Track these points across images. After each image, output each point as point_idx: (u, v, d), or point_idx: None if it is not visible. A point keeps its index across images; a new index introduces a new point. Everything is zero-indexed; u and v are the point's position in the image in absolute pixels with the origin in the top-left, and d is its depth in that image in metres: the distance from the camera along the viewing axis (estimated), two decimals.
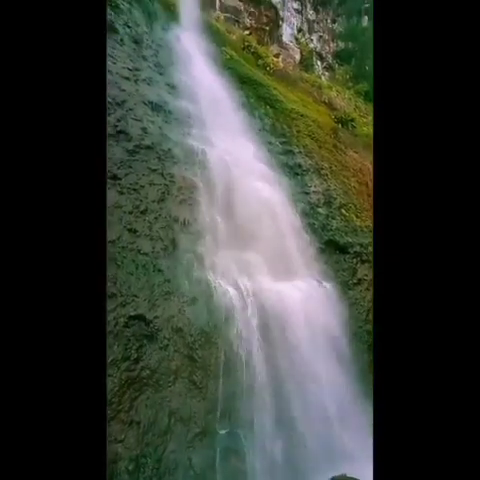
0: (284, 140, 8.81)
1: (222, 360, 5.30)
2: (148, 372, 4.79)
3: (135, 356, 4.76)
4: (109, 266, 5.12)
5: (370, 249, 7.70)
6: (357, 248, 7.98)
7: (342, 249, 7.88)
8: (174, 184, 6.33)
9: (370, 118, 12.73)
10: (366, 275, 7.65)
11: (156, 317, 5.12)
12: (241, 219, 6.44)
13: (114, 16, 7.27)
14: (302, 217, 7.68)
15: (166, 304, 5.35)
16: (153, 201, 6.05)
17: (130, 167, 6.09)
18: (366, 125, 11.81)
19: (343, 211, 8.31)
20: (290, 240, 7.05)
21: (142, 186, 6.07)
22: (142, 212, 5.89)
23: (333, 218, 8.17)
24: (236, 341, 5.46)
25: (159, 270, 5.58)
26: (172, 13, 9.37)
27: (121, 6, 7.60)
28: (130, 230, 5.62)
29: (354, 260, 7.87)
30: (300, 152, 8.72)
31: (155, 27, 8.33)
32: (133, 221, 5.73)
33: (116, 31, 7.17)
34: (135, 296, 5.13)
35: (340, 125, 10.61)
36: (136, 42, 7.58)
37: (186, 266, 5.83)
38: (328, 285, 7.11)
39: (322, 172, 8.70)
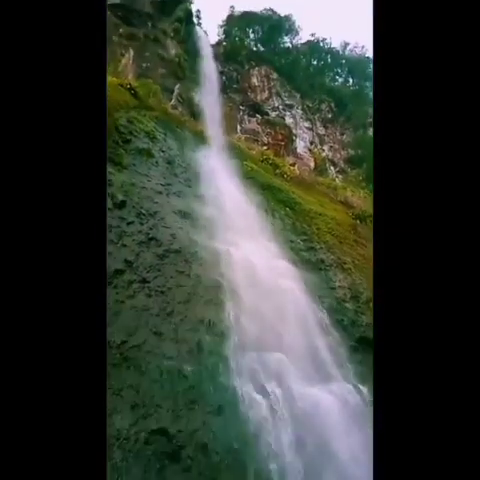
0: (305, 238, 9.14)
1: None
2: None
3: None
4: (133, 373, 5.01)
5: None
6: None
7: None
8: (200, 285, 6.50)
9: None
10: None
11: (179, 431, 4.74)
12: (267, 318, 6.34)
13: (151, 144, 8.52)
14: (330, 313, 7.47)
15: (190, 415, 5.00)
16: (179, 302, 6.16)
17: (159, 270, 6.38)
18: None
19: (372, 305, 8.05)
20: (319, 339, 6.76)
21: (169, 288, 6.26)
22: (168, 314, 5.95)
23: (362, 313, 7.88)
24: (266, 458, 4.87)
25: (184, 376, 5.36)
26: (200, 138, 10.88)
27: (158, 137, 8.96)
28: (156, 333, 5.61)
29: None
30: (322, 248, 8.94)
31: (185, 150, 9.60)
32: (159, 324, 5.76)
33: (152, 155, 8.32)
34: (158, 406, 4.86)
35: (358, 221, 11.01)
36: (169, 163, 8.69)
37: (211, 371, 5.59)
38: (365, 389, 6.50)
39: (345, 266, 8.74)
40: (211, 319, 6.12)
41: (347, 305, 7.88)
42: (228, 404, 5.27)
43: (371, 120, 22.58)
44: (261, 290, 6.68)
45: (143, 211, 6.97)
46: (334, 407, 5.89)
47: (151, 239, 6.71)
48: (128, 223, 6.61)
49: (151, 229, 6.85)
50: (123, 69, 12.78)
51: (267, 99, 20.89)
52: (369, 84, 28.08)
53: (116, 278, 5.82)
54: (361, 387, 6.57)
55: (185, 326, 5.92)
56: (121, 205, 6.74)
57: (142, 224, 6.79)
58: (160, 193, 7.71)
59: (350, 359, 6.96)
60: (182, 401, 5.05)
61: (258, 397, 5.47)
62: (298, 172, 14.05)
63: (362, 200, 12.67)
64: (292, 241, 8.77)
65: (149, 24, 14.97)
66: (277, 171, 12.18)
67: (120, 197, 6.80)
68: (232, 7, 25.21)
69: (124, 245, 6.27)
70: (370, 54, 29.49)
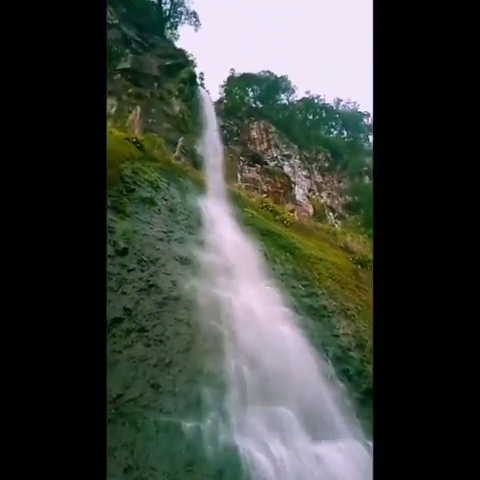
0: (306, 283, 9.06)
1: None
2: None
3: None
4: (129, 430, 4.73)
5: None
6: None
7: None
8: (199, 333, 6.34)
9: None
10: None
11: None
12: (268, 368, 6.10)
13: (154, 193, 8.78)
14: (334, 363, 7.19)
15: (188, 477, 4.64)
16: (178, 352, 5.97)
17: (158, 319, 6.26)
18: None
19: None
20: (324, 390, 6.44)
21: (168, 337, 6.10)
22: (167, 365, 5.74)
23: (368, 362, 7.58)
24: None
25: (181, 433, 5.05)
26: (202, 186, 11.22)
27: (161, 186, 9.25)
28: (153, 386, 5.38)
29: None
30: (323, 294, 8.82)
31: (187, 198, 9.86)
32: (157, 375, 5.55)
33: (155, 204, 8.52)
34: (153, 469, 4.52)
35: (359, 266, 10.98)
36: (171, 210, 8.88)
37: (211, 427, 5.28)
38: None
39: (348, 313, 8.56)
40: (211, 370, 5.90)
41: (352, 354, 7.61)
42: (229, 465, 4.90)
43: (367, 169, 23.45)
44: (263, 338, 6.50)
45: (144, 258, 6.99)
46: (343, 467, 5.48)
47: (151, 286, 6.66)
48: (129, 270, 6.60)
49: (152, 276, 6.83)
50: (130, 124, 13.52)
51: (266, 150, 21.84)
52: (363, 136, 29.54)
53: (114, 327, 5.70)
54: (371, 444, 6.15)
55: (184, 377, 5.70)
56: (123, 252, 6.78)
57: (143, 271, 6.79)
58: (161, 240, 7.78)
59: (358, 413, 6.58)
60: (179, 462, 4.71)
61: (261, 457, 5.10)
62: (297, 218, 14.29)
63: (362, 245, 12.75)
64: (293, 287, 8.68)
65: (155, 85, 16.11)
66: (277, 217, 12.40)
67: (122, 244, 6.87)
68: (232, 69, 27.27)
69: (124, 293, 6.21)
70: (362, 109, 31.40)
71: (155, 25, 18.94)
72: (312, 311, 8.22)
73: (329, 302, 8.63)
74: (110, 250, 6.57)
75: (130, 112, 14.09)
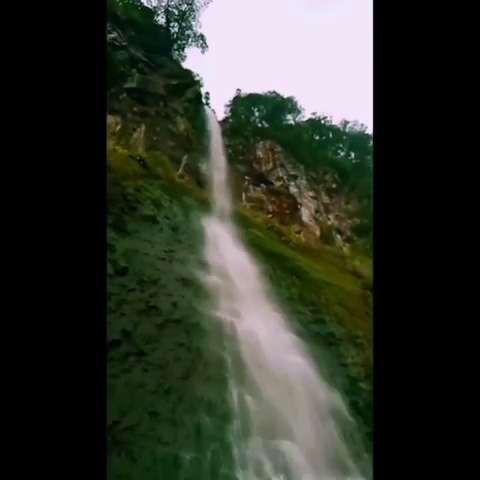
0: (313, 308, 8.74)
1: None
2: None
3: None
4: (124, 461, 4.45)
5: None
6: None
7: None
8: (201, 359, 6.05)
9: None
10: None
11: None
12: (273, 398, 5.77)
13: (157, 211, 8.63)
14: (343, 394, 6.81)
15: None
16: (178, 378, 5.68)
17: (157, 342, 6.00)
18: None
19: None
20: (332, 424, 6.07)
21: (168, 362, 5.83)
22: (166, 391, 5.46)
23: None
24: None
25: (180, 465, 4.74)
26: (205, 205, 11.10)
27: (163, 204, 9.12)
28: (151, 413, 5.10)
29: None
30: (331, 320, 8.49)
31: (190, 216, 9.71)
32: (156, 402, 5.26)
33: (157, 222, 8.37)
34: None
35: (369, 292, 10.65)
36: (173, 229, 8.71)
37: (211, 460, 4.95)
38: None
39: (358, 341, 8.20)
40: (212, 399, 5.58)
41: (361, 385, 7.22)
42: None
43: None
44: (267, 367, 6.18)
45: (145, 278, 6.78)
46: None
47: (151, 308, 6.42)
48: (129, 291, 6.39)
49: (152, 297, 6.59)
50: (134, 142, 13.57)
51: (272, 170, 21.86)
52: (370, 158, 29.68)
53: (112, 350, 5.45)
54: None
55: (183, 406, 5.40)
56: (123, 272, 6.59)
57: (143, 291, 6.56)
58: (163, 260, 7.58)
59: (367, 448, 6.18)
60: None
61: None
62: (304, 240, 14.08)
63: (371, 270, 12.44)
64: (300, 312, 8.37)
65: (161, 103, 16.29)
66: (283, 238, 12.22)
67: (122, 264, 6.67)
68: (239, 89, 27.75)
69: (123, 314, 5.98)
70: (369, 131, 31.67)
71: (162, 47, 19.35)
72: (319, 338, 7.88)
73: (337, 329, 8.28)
74: (110, 269, 6.39)
75: (134, 130, 14.17)
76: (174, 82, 17.65)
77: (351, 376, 7.31)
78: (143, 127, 14.50)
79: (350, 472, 5.72)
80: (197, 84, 19.32)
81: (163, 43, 19.79)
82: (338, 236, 19.01)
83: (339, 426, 6.15)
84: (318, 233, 17.99)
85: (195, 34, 21.92)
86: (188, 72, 19.59)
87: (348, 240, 18.97)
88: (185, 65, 20.90)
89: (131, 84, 15.55)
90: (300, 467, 5.31)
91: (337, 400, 6.56)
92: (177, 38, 21.48)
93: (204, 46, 22.38)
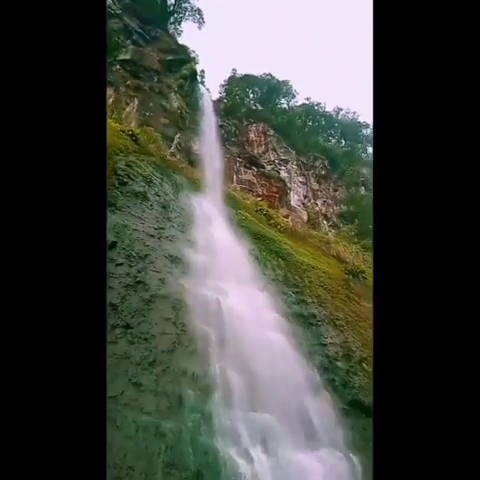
0: (297, 290, 8.97)
1: None
2: None
3: None
4: (107, 427, 4.60)
5: None
6: None
7: (368, 411, 6.97)
8: (185, 334, 6.20)
9: None
10: None
11: None
12: (253, 374, 5.99)
13: (147, 188, 8.59)
14: (320, 372, 7.11)
15: None
16: (162, 352, 5.83)
17: (144, 316, 6.11)
18: None
19: (364, 365, 7.71)
20: (309, 399, 6.36)
21: (153, 335, 5.96)
22: (150, 364, 5.61)
23: (355, 374, 7.53)
24: None
25: (161, 434, 4.93)
26: (196, 185, 11.07)
27: (154, 181, 9.07)
28: (135, 384, 5.25)
29: None
30: (313, 302, 8.75)
31: (181, 195, 9.69)
32: (140, 374, 5.40)
33: (147, 199, 8.35)
34: (130, 468, 4.39)
35: (351, 276, 10.94)
36: (163, 207, 8.71)
37: (192, 429, 5.16)
38: (355, 458, 6.01)
39: (337, 323, 8.50)
40: (195, 372, 5.77)
41: (339, 364, 7.54)
42: (207, 469, 4.81)
43: (363, 179, 23.57)
44: (250, 343, 6.39)
45: (133, 253, 6.83)
46: (322, 476, 5.42)
47: (139, 282, 6.50)
48: (117, 265, 6.44)
49: (140, 272, 6.66)
50: (127, 116, 13.30)
51: (263, 153, 21.78)
52: (361, 146, 29.76)
53: None
54: (352, 456, 6.09)
55: (167, 378, 5.56)
56: (111, 246, 6.61)
57: (131, 266, 6.62)
58: (152, 236, 7.62)
59: (341, 423, 6.52)
60: (157, 463, 4.60)
61: (241, 462, 5.00)
62: (291, 224, 14.22)
63: (354, 255, 12.73)
64: (284, 293, 8.59)
65: (155, 78, 15.87)
66: (271, 222, 12.32)
67: (111, 238, 6.69)
68: (234, 69, 27.14)
69: (111, 287, 6.04)
70: (361, 119, 31.62)
71: (158, 19, 18.68)
72: (301, 319, 8.14)
73: (319, 311, 8.56)
74: None
75: (127, 104, 13.85)
76: (169, 57, 17.18)
77: (329, 355, 7.62)
78: (136, 102, 14.18)
79: (324, 444, 6.03)
80: (193, 61, 18.84)
81: (159, 15, 19.10)
82: (324, 222, 19.28)
83: (316, 402, 6.46)
84: (305, 218, 18.21)
85: (192, 8, 21.25)
86: (184, 48, 19.04)
87: (334, 226, 19.27)
88: (181, 40, 20.32)
89: (125, 56, 15.09)
90: (277, 438, 5.59)
91: (315, 377, 6.85)
92: (174, 10, 20.76)
93: (201, 21, 21.72)
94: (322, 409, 6.41)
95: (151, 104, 14.90)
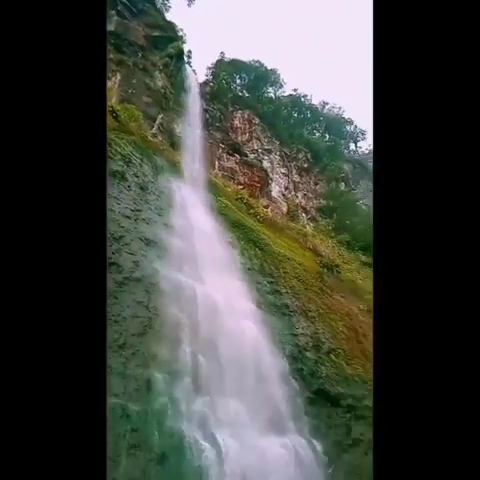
0: (272, 280, 9.05)
1: None
2: None
3: None
4: None
5: (364, 403, 7.01)
6: (350, 401, 7.28)
7: (333, 401, 7.19)
8: (158, 318, 6.14)
9: (354, 265, 13.53)
10: (362, 434, 6.75)
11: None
12: (224, 361, 6.03)
13: (126, 168, 8.34)
14: (289, 361, 7.25)
15: (130, 462, 4.52)
16: (133, 335, 5.76)
17: (116, 298, 6.00)
18: (350, 271, 12.43)
19: (332, 357, 7.92)
20: (277, 387, 6.48)
21: (124, 318, 5.87)
22: (120, 346, 5.53)
23: (322, 364, 7.72)
24: None
25: (128, 416, 4.91)
26: (177, 168, 10.85)
27: (133, 161, 8.81)
28: None
29: (347, 415, 7.09)
30: (287, 293, 8.86)
31: (160, 178, 9.48)
32: (109, 356, 5.32)
33: (126, 179, 8.11)
34: None
35: (325, 270, 11.13)
36: (141, 188, 8.50)
37: (159, 413, 5.17)
38: (319, 445, 6.21)
39: (309, 314, 8.66)
40: (165, 356, 5.75)
41: (308, 354, 7.71)
42: (173, 452, 4.84)
43: (344, 175, 23.86)
44: (222, 331, 6.41)
45: (107, 234, 6.64)
46: (285, 461, 5.57)
47: (112, 264, 6.35)
48: None
49: (113, 254, 6.51)
50: (107, 91, 12.80)
51: (247, 141, 21.59)
52: (344, 142, 30.00)
53: None
54: (315, 442, 6.29)
55: (136, 361, 5.51)
56: None
57: None
58: (128, 218, 7.44)
59: (306, 411, 6.70)
60: (122, 445, 4.58)
61: (206, 446, 5.06)
62: (271, 215, 14.26)
63: (330, 249, 12.94)
64: (258, 282, 8.64)
65: (139, 54, 15.26)
66: (250, 211, 12.30)
67: None
68: (222, 53, 26.51)
69: None
70: (346, 115, 31.84)
71: None
72: (274, 308, 8.23)
73: (292, 301, 8.68)
74: None
75: (109, 79, 13.29)
76: (156, 33, 16.54)
77: (299, 345, 7.77)
78: (118, 77, 13.63)
79: (289, 431, 6.19)
80: (180, 40, 18.20)
81: None
82: (303, 214, 19.45)
83: (283, 389, 6.59)
84: (285, 210, 18.31)
85: None
86: (171, 25, 18.35)
87: (312, 219, 19.48)
88: (169, 17, 19.58)
89: (109, 27, 14.39)
90: (244, 424, 5.68)
91: (284, 366, 6.98)
92: None
93: None
94: (289, 397, 6.55)
95: (134, 81, 14.37)
